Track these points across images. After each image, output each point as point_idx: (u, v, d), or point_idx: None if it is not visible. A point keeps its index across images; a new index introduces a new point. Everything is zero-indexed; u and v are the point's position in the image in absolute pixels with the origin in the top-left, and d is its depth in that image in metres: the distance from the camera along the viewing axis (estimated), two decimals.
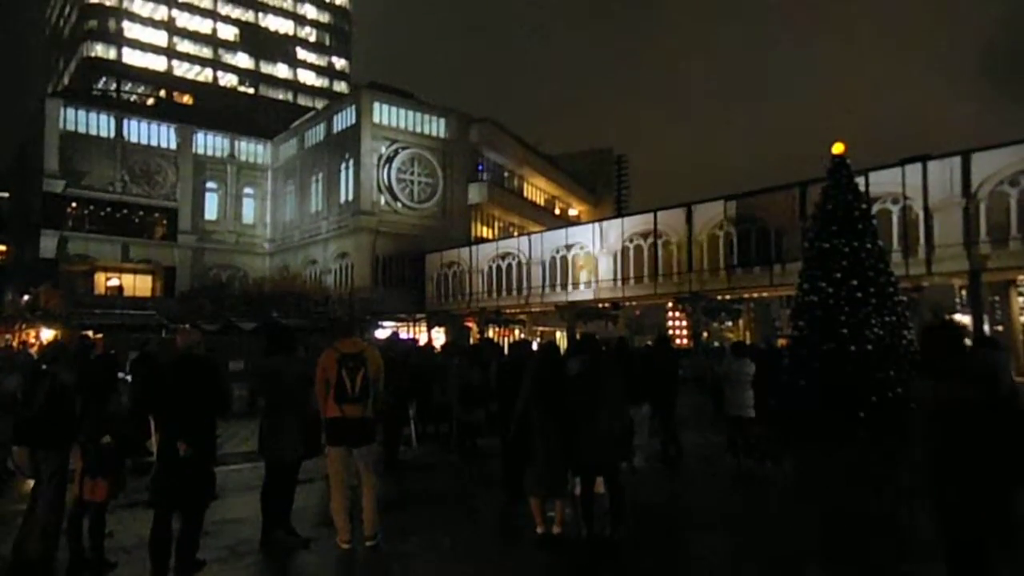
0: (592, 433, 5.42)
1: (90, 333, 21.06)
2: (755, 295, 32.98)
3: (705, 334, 33.94)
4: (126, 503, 6.11)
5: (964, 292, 27.45)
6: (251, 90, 70.69)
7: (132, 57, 64.66)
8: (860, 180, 15.18)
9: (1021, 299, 26.08)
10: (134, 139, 45.52)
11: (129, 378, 9.43)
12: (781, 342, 20.40)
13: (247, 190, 50.24)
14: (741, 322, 48.62)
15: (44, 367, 5.36)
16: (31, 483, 5.26)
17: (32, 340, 26.16)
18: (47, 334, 26.53)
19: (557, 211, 59.25)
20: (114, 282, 43.96)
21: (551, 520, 5.61)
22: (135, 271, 44.82)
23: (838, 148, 12.83)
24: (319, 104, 62.80)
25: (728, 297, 30.11)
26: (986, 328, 23.78)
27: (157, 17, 66.75)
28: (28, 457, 5.00)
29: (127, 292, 43.23)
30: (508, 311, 37.87)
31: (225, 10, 70.63)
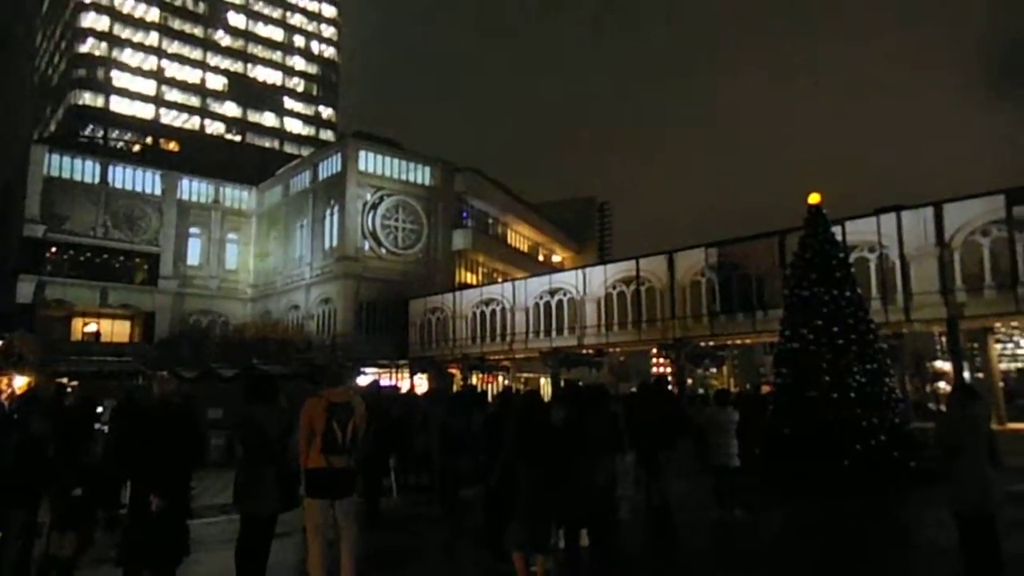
0: (577, 484, 5.35)
1: (64, 380, 20.59)
2: (739, 341, 33.15)
3: (689, 380, 33.89)
4: (95, 559, 5.88)
5: (944, 339, 27.80)
6: (238, 138, 71.29)
7: (120, 105, 65.12)
8: (837, 229, 15.50)
9: (999, 346, 26.47)
10: (119, 185, 45.46)
11: (106, 428, 9.17)
12: (766, 388, 20.40)
13: (231, 236, 50.14)
14: (725, 368, 48.67)
15: (15, 418, 5.23)
16: None
17: (4, 387, 25.51)
18: (20, 381, 25.91)
19: (541, 257, 59.69)
20: (91, 328, 43.30)
21: (534, 575, 5.48)
22: (113, 316, 44.23)
23: (814, 198, 13.14)
24: (305, 152, 63.39)
25: (712, 343, 30.21)
26: (967, 375, 24.02)
27: (146, 67, 67.55)
28: None
29: (104, 338, 42.60)
30: (492, 357, 37.65)
31: (214, 61, 71.73)
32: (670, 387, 10.69)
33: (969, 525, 5.14)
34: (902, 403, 12.85)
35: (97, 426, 7.91)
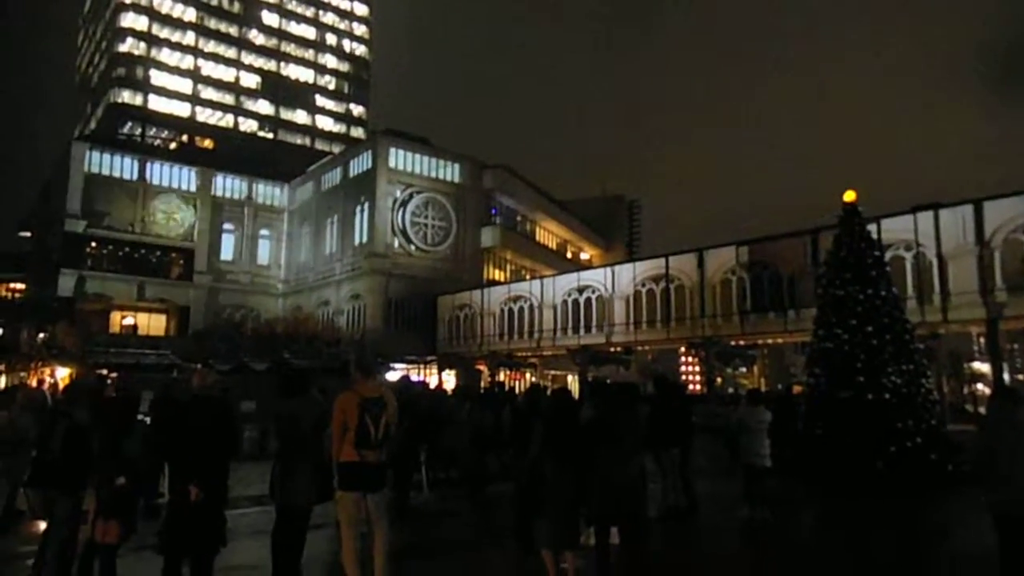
0: (606, 482, 5.36)
1: (104, 372, 21.20)
2: (769, 341, 32.71)
3: (719, 380, 33.59)
4: (136, 547, 6.06)
5: (982, 340, 27.09)
6: (270, 135, 72.41)
7: (157, 103, 66.62)
8: (872, 227, 15.20)
9: None
10: (156, 181, 46.58)
11: (148, 419, 9.42)
12: (797, 389, 20.10)
13: (263, 231, 50.99)
14: (756, 368, 48.12)
15: (62, 408, 5.41)
16: (42, 524, 5.26)
17: (47, 378, 26.33)
18: (62, 372, 26.72)
19: (569, 255, 59.52)
20: (129, 321, 44.44)
21: (563, 573, 5.50)
22: (150, 310, 45.32)
23: (849, 196, 12.91)
24: (336, 149, 64.07)
25: (742, 343, 29.86)
26: (1006, 377, 23.38)
27: (183, 66, 68.97)
28: (42, 499, 5.01)
29: (141, 331, 43.66)
30: (520, 354, 37.71)
31: (248, 59, 72.93)
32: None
33: (1009, 529, 5.04)
34: (938, 405, 12.59)
35: (140, 417, 8.11)
